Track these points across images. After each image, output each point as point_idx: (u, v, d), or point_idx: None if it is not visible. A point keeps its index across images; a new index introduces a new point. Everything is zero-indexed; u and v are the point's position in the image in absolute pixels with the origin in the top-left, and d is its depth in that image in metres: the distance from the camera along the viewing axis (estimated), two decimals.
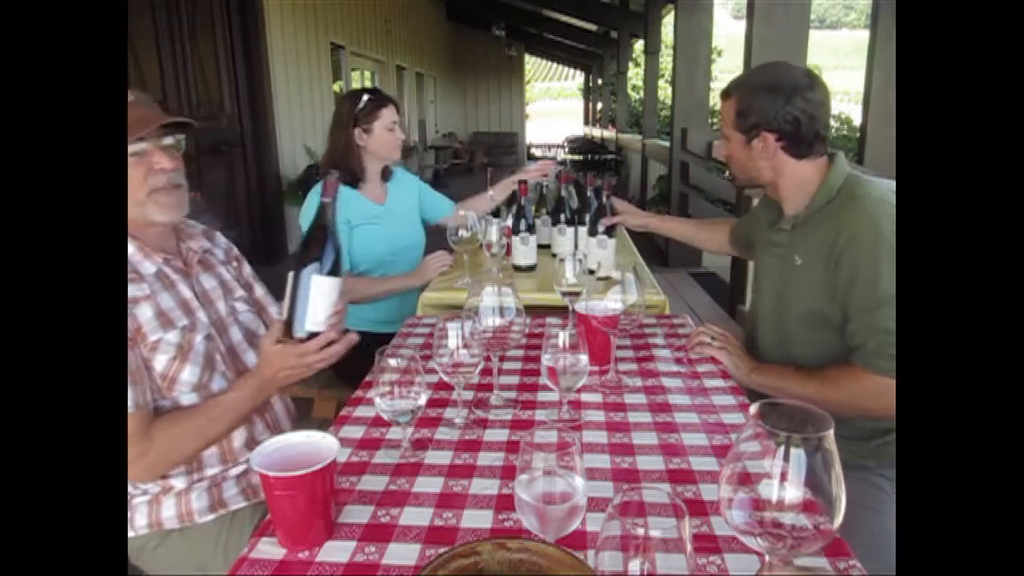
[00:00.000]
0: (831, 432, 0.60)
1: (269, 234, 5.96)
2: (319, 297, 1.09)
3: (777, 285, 1.52)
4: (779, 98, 1.38)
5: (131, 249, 1.22)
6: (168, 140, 1.23)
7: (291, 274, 1.08)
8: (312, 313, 1.09)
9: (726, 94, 1.48)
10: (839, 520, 0.60)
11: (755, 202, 3.63)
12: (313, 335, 1.11)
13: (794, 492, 0.60)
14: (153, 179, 1.20)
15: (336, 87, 8.34)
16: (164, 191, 1.22)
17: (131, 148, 1.17)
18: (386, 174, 2.37)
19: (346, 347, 1.15)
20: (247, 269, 1.51)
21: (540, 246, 2.37)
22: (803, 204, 1.45)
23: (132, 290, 1.18)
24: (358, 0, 8.85)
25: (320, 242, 1.09)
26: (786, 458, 0.60)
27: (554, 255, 2.36)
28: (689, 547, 0.60)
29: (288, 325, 1.11)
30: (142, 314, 1.18)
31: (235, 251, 1.51)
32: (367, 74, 10.01)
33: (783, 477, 0.60)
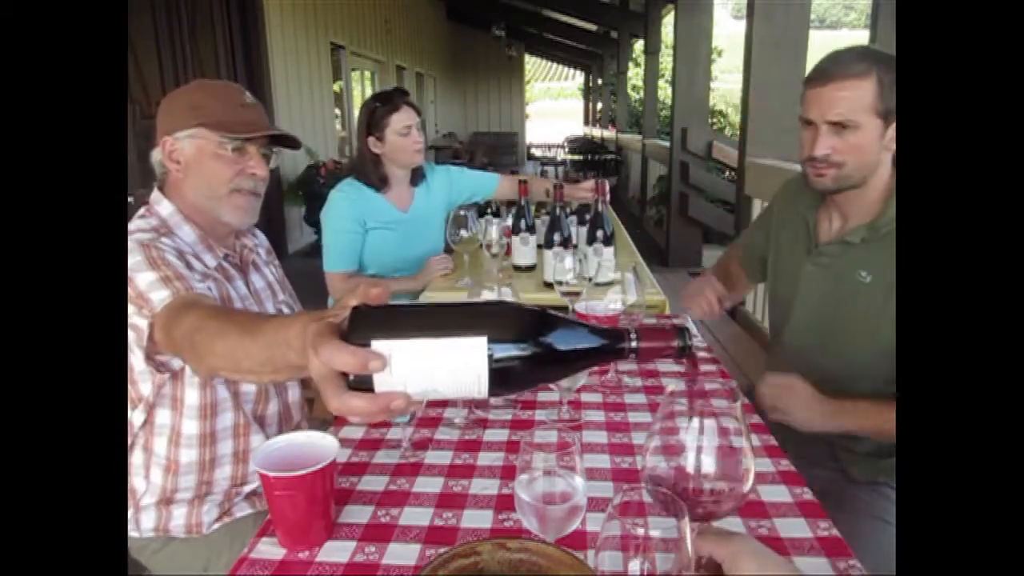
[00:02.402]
0: (739, 404, 0.66)
1: (268, 234, 5.95)
2: (443, 356, 0.60)
3: (825, 299, 1.37)
4: None
5: (193, 237, 1.24)
6: (269, 151, 1.27)
7: (479, 297, 0.65)
8: (408, 351, 0.59)
9: (853, 73, 1.21)
10: (749, 485, 0.66)
11: (756, 203, 3.64)
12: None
13: (709, 461, 0.66)
14: (240, 180, 1.23)
15: (336, 87, 8.34)
16: (244, 195, 1.25)
17: (232, 143, 1.20)
18: (416, 178, 2.33)
19: (371, 410, 0.60)
20: (280, 269, 1.52)
21: (540, 246, 2.37)
22: (872, 213, 1.30)
23: (200, 267, 1.20)
24: (358, 0, 8.85)
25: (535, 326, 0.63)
26: (701, 430, 0.66)
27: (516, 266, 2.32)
28: (689, 547, 0.60)
29: (370, 318, 0.61)
30: (207, 290, 1.17)
31: (270, 248, 1.52)
32: (367, 74, 10.01)
33: (699, 448, 0.66)
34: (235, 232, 1.34)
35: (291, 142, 1.33)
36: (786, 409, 1.23)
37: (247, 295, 1.31)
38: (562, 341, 0.63)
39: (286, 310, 1.43)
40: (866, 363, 1.30)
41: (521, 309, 0.66)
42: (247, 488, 1.29)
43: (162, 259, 1.10)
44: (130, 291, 1.06)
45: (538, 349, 0.61)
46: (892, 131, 1.24)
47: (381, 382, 0.59)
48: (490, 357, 0.60)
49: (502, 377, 0.61)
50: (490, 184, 2.53)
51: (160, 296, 1.04)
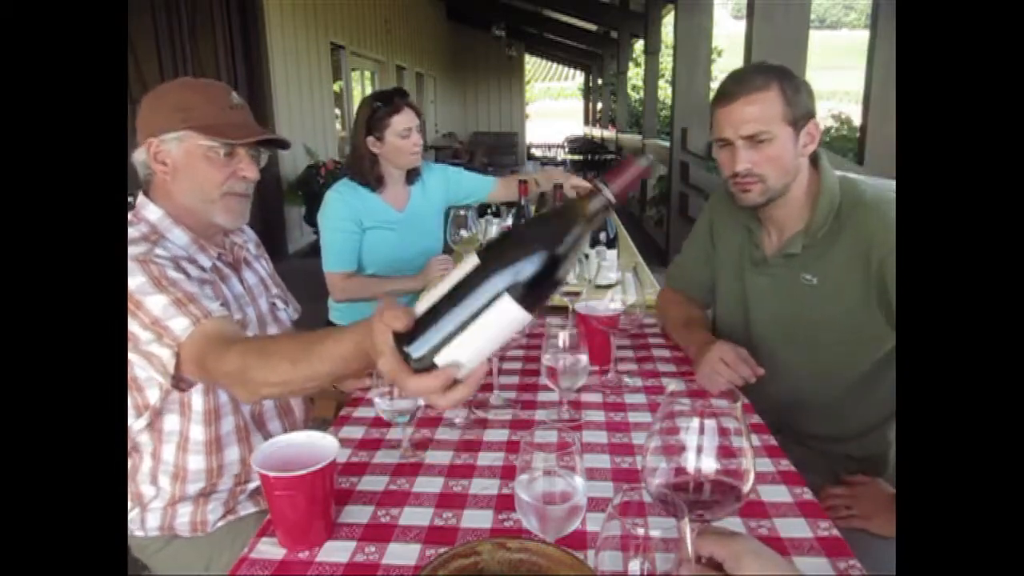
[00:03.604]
0: (739, 404, 0.66)
1: (268, 234, 5.97)
2: (490, 328, 0.67)
3: (781, 305, 1.40)
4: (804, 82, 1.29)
5: (185, 240, 1.22)
6: (257, 152, 1.26)
7: (469, 264, 0.68)
8: (464, 344, 0.67)
9: (756, 87, 1.26)
10: (749, 485, 0.66)
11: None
12: (431, 366, 0.68)
13: (709, 461, 0.66)
14: (233, 183, 1.22)
15: (336, 87, 8.34)
16: (236, 197, 1.24)
17: (224, 148, 1.19)
18: (411, 177, 2.33)
19: (471, 391, 0.71)
20: (270, 263, 1.52)
21: None
22: (802, 219, 1.35)
23: (197, 272, 1.19)
24: (358, 0, 8.85)
25: (531, 250, 0.66)
26: (701, 430, 0.66)
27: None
28: (689, 547, 0.60)
29: (411, 332, 0.68)
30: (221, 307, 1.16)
31: (259, 242, 1.51)
32: (367, 74, 10.02)
33: (699, 448, 0.66)
34: (225, 230, 1.34)
35: (281, 144, 1.32)
36: (864, 515, 1.22)
37: (242, 293, 1.30)
38: (560, 242, 0.67)
39: (280, 303, 1.43)
40: (837, 356, 1.36)
41: (508, 242, 0.70)
42: (251, 486, 1.29)
43: (165, 277, 1.08)
44: (143, 316, 1.04)
45: (546, 264, 0.66)
46: (803, 136, 1.29)
47: (461, 373, 0.69)
48: (517, 296, 0.65)
49: (535, 301, 0.67)
50: (486, 188, 2.54)
51: (180, 325, 1.03)
